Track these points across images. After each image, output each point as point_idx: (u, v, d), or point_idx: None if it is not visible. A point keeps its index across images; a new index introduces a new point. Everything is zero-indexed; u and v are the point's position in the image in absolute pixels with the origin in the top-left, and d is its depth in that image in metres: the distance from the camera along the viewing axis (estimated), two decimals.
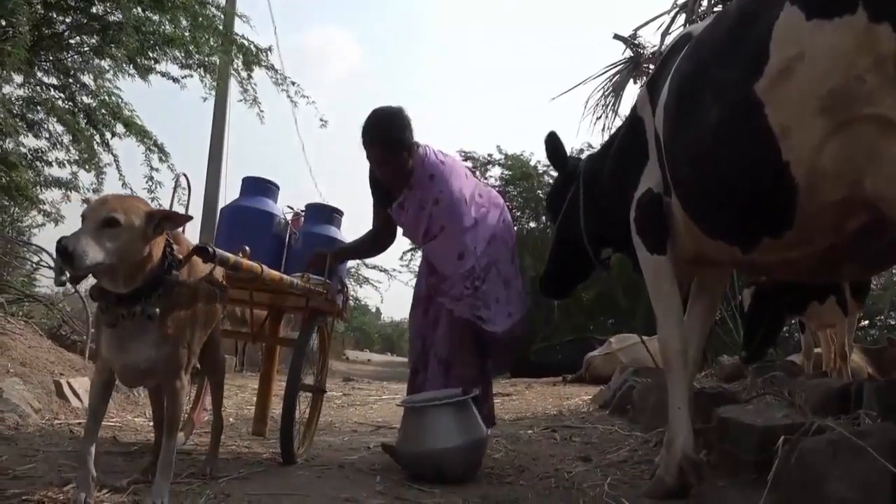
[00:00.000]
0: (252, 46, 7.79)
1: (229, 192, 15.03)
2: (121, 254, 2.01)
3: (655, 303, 2.74)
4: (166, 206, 2.50)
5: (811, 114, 1.99)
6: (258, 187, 3.67)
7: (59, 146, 7.26)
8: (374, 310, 38.52)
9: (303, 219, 3.81)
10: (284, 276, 2.97)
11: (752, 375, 5.11)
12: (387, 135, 3.32)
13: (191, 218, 2.23)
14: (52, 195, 7.38)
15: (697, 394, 2.90)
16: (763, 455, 2.65)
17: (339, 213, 3.88)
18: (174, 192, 2.60)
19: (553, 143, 3.39)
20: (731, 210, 2.33)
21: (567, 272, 3.55)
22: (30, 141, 7.22)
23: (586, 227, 3.23)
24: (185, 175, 2.60)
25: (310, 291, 3.23)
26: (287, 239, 3.68)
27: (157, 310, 2.14)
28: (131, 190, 7.35)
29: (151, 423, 3.01)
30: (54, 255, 1.96)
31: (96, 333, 2.41)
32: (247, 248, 2.79)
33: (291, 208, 3.80)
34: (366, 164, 3.51)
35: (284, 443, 3.17)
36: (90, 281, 2.22)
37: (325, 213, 3.78)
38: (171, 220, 2.16)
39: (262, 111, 8.20)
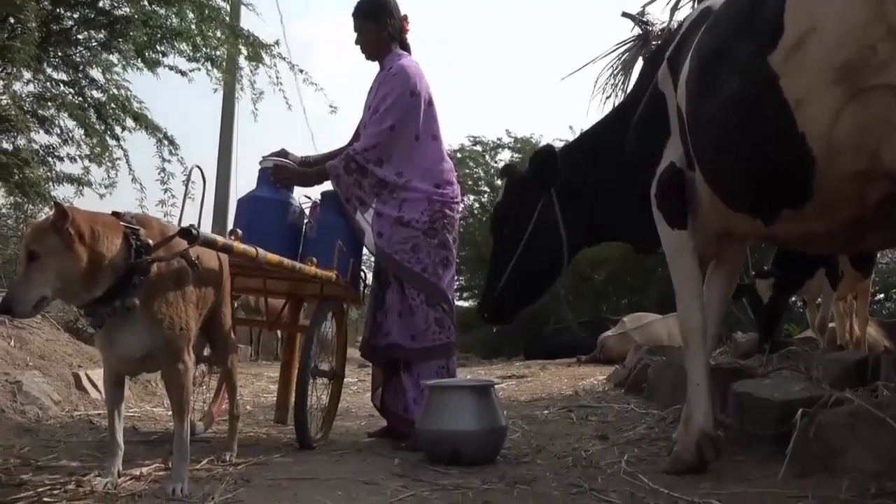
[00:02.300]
0: (258, 39, 7.78)
1: (241, 183, 15.08)
2: (58, 279, 1.97)
3: (675, 278, 2.72)
4: (179, 199, 2.50)
5: (825, 85, 1.98)
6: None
7: (70, 142, 7.30)
8: None
9: (318, 207, 3.77)
10: (284, 260, 2.95)
11: (768, 351, 5.10)
12: (363, 3, 3.72)
13: (68, 217, 1.99)
14: (64, 191, 7.42)
15: (713, 370, 2.89)
16: (781, 429, 2.64)
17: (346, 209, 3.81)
18: (187, 185, 2.59)
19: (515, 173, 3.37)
20: (751, 182, 2.33)
21: (530, 290, 3.33)
22: (41, 137, 7.27)
23: (569, 230, 3.12)
24: (198, 167, 2.60)
25: (315, 277, 3.21)
26: (303, 228, 3.66)
27: (136, 300, 2.14)
28: (141, 185, 7.39)
29: (170, 413, 3.04)
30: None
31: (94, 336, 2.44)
32: (238, 231, 2.81)
33: (308, 197, 3.78)
34: None
35: (299, 428, 3.20)
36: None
37: (340, 201, 3.69)
38: (68, 218, 1.98)
39: (256, 110, 8.21)
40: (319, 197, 3.75)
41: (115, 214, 2.23)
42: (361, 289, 3.80)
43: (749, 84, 2.20)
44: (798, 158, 2.08)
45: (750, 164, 2.29)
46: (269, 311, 3.84)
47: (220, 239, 2.45)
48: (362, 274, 3.81)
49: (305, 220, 3.66)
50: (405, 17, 3.79)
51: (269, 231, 3.27)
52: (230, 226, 3.61)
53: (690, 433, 2.63)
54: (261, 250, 2.70)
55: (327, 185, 3.64)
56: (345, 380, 3.96)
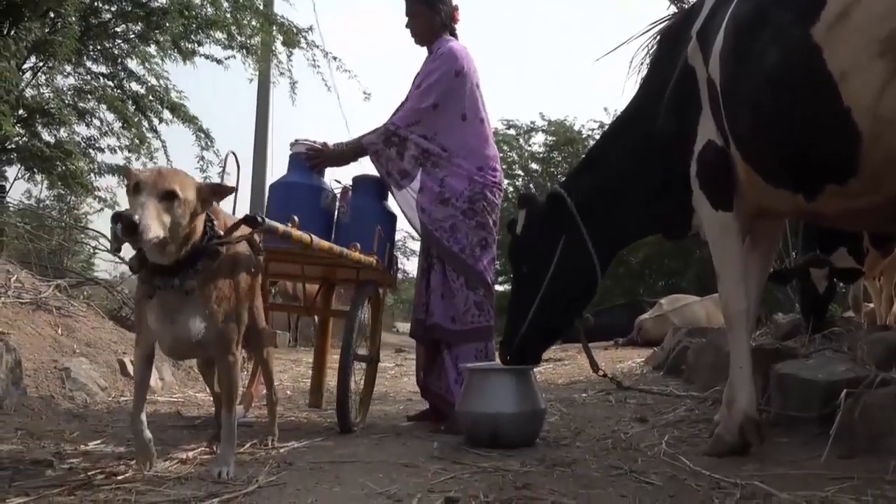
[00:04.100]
0: (293, 27, 7.83)
1: (277, 170, 15.20)
2: (176, 228, 2.03)
3: (718, 260, 2.67)
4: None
5: (870, 57, 1.93)
6: (305, 161, 3.62)
7: (110, 133, 7.45)
8: None
9: (350, 192, 3.77)
10: (334, 246, 3.00)
11: (811, 331, 5.01)
12: None
13: (235, 189, 2.26)
14: (105, 181, 7.58)
15: (755, 351, 2.85)
16: (825, 410, 2.60)
17: (387, 184, 3.76)
18: (223, 171, 2.63)
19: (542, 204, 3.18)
20: (792, 157, 2.29)
21: (562, 321, 3.18)
22: (82, 129, 7.42)
23: (598, 246, 3.01)
24: (233, 153, 2.63)
25: (360, 262, 3.24)
26: (336, 213, 3.66)
27: (195, 283, 2.16)
28: None
29: (212, 398, 3.10)
30: (115, 226, 1.95)
31: (136, 307, 2.44)
32: (296, 217, 2.76)
33: (339, 182, 3.77)
34: None
35: (341, 412, 3.23)
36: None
37: (373, 186, 3.72)
38: (217, 194, 2.19)
39: (294, 94, 8.28)
40: (351, 182, 3.75)
41: None
42: (396, 273, 3.80)
43: (790, 56, 2.15)
44: (842, 133, 2.04)
45: (792, 140, 2.24)
46: (306, 297, 3.87)
47: (280, 226, 2.47)
48: (395, 258, 3.82)
49: (338, 205, 3.65)
50: (456, 7, 3.80)
51: (302, 216, 3.18)
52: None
53: (733, 415, 2.60)
54: (314, 237, 2.75)
55: (358, 170, 3.66)
56: (382, 364, 4.00)
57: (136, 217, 1.88)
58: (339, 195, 3.69)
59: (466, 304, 3.48)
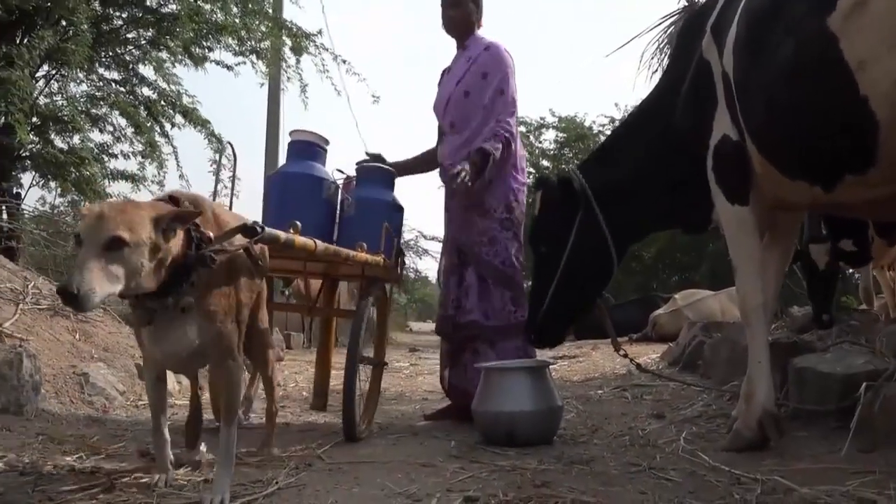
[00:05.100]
0: (301, 32, 7.86)
1: None
2: (133, 275, 1.75)
3: (735, 255, 2.67)
4: (229, 189, 2.43)
5: (889, 47, 1.92)
6: (305, 151, 3.44)
7: (122, 139, 7.50)
8: (434, 281, 38.75)
9: (354, 182, 3.59)
10: (340, 250, 2.85)
11: (825, 323, 4.97)
12: None
13: (199, 214, 1.96)
14: (118, 187, 7.64)
15: (772, 345, 2.84)
16: (844, 403, 2.59)
17: (393, 174, 3.65)
18: (219, 161, 2.56)
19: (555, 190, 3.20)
20: (809, 149, 2.27)
21: (579, 305, 3.24)
22: (95, 135, 7.48)
23: (614, 233, 3.03)
24: (230, 144, 2.59)
25: (367, 263, 3.10)
26: (339, 205, 3.47)
27: (192, 300, 1.95)
28: (187, 182, 7.54)
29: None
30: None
31: (135, 332, 2.24)
32: (298, 223, 2.57)
33: (342, 172, 3.60)
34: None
35: (347, 418, 3.00)
36: None
37: (378, 175, 3.55)
38: (180, 220, 1.87)
39: (306, 97, 8.32)
40: (355, 171, 3.60)
41: (173, 200, 2.03)
42: (403, 269, 3.69)
43: (806, 47, 2.14)
44: (861, 123, 2.03)
45: (808, 131, 2.23)
46: (309, 297, 3.75)
47: (282, 235, 2.30)
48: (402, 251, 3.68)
49: (341, 197, 3.48)
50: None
51: (302, 209, 3.06)
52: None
53: (752, 410, 2.59)
54: (320, 242, 2.61)
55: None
56: (397, 364, 3.99)
57: (74, 285, 1.60)
58: (341, 186, 3.52)
59: (503, 300, 3.51)
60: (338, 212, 3.48)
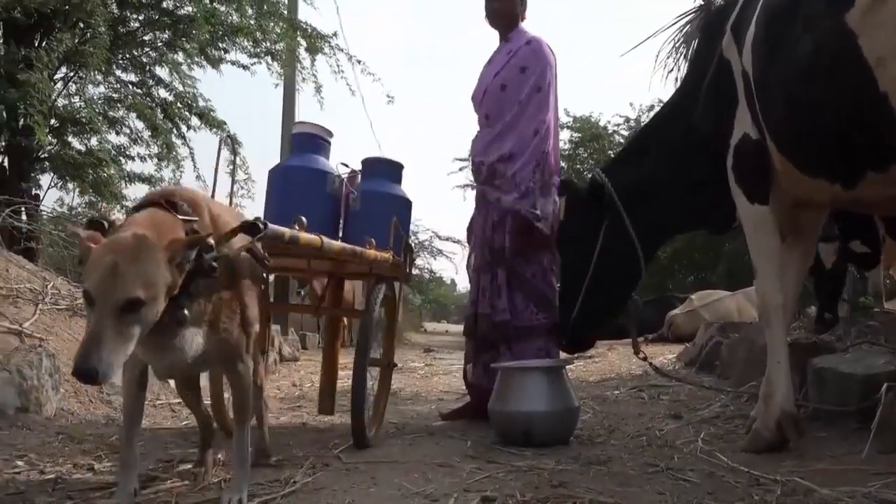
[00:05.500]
0: (316, 33, 7.89)
1: None
2: (148, 327, 1.58)
3: (755, 255, 2.67)
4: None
5: None
6: (308, 143, 3.32)
7: (139, 141, 7.56)
8: (449, 281, 38.84)
9: (359, 176, 3.48)
10: (346, 246, 2.73)
11: (845, 325, 4.93)
12: None
13: (208, 234, 1.77)
14: (135, 189, 7.70)
15: (791, 346, 2.82)
16: (865, 404, 2.57)
17: (400, 166, 3.51)
18: (218, 154, 2.53)
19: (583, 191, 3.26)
20: (829, 145, 2.26)
21: (609, 308, 3.28)
22: (112, 137, 7.54)
23: (641, 235, 3.06)
24: (229, 137, 2.58)
25: (376, 261, 2.98)
26: (344, 199, 3.34)
27: (187, 312, 1.73)
28: (204, 183, 7.57)
29: (194, 415, 2.66)
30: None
31: None
32: (303, 218, 2.45)
33: (346, 165, 3.47)
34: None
35: (356, 424, 2.85)
36: None
37: (384, 169, 3.44)
38: (190, 247, 1.66)
39: (322, 98, 8.32)
40: (360, 164, 3.49)
41: (171, 204, 1.82)
42: (412, 265, 3.60)
43: (825, 44, 2.13)
44: (881, 119, 2.01)
45: (828, 128, 2.22)
46: (313, 297, 3.69)
47: (287, 231, 2.23)
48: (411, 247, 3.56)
49: (345, 191, 3.36)
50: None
51: (305, 204, 2.92)
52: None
53: (770, 411, 2.57)
54: (325, 239, 2.51)
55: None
56: (412, 364, 3.97)
57: (93, 364, 1.43)
58: (346, 179, 3.40)
59: (526, 301, 3.50)
60: (342, 207, 3.36)
